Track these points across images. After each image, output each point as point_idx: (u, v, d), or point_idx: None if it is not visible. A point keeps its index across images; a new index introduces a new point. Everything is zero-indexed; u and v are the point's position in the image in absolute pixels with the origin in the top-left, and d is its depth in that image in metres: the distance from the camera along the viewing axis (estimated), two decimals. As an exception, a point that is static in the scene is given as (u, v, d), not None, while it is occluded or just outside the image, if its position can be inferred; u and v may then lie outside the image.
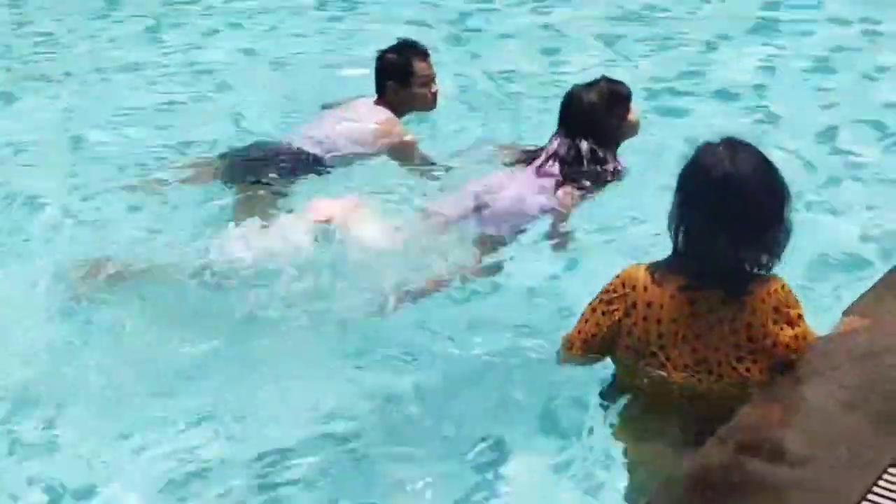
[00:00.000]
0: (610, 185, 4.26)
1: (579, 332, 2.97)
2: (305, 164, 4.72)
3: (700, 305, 2.81)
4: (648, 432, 2.98)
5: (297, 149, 4.78)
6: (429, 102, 4.99)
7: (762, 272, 2.84)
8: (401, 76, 4.89)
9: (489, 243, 4.09)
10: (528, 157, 4.35)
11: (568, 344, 3.01)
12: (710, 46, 7.01)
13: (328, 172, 4.74)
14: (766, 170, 2.82)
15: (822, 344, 2.97)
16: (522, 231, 4.14)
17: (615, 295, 2.90)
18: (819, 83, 6.29)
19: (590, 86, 4.31)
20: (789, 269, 2.99)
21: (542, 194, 4.16)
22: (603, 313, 2.92)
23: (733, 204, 2.75)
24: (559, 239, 4.15)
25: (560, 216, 4.18)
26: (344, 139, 4.83)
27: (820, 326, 3.00)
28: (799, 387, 2.91)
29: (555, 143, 4.25)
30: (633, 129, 4.36)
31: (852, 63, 6.59)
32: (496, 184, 4.22)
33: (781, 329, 2.79)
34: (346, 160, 4.81)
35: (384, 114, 4.89)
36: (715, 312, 2.81)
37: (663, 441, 2.93)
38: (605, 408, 3.05)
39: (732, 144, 2.83)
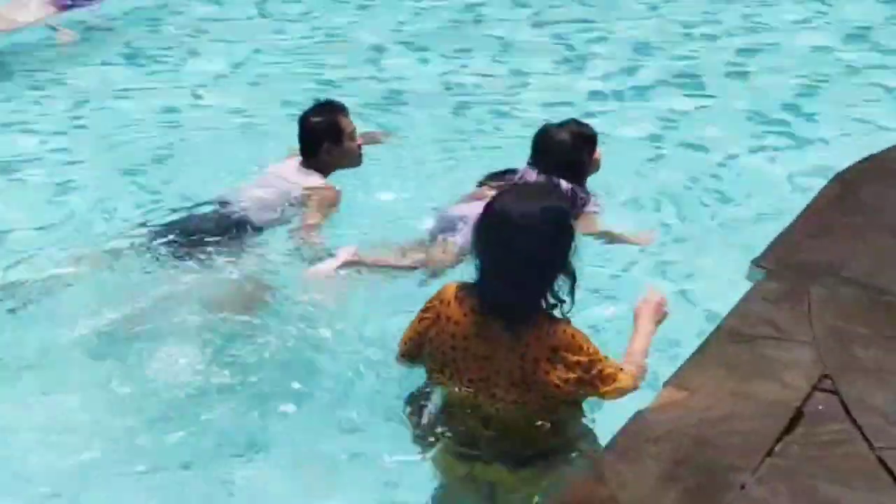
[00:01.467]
0: None
1: (403, 336, 3.20)
2: (238, 234, 4.71)
3: (487, 329, 2.98)
4: (440, 442, 3.15)
5: (228, 217, 4.75)
6: (358, 157, 5.02)
7: (550, 312, 2.98)
8: (332, 135, 4.87)
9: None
10: (498, 179, 4.65)
11: (398, 350, 3.23)
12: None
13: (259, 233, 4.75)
14: (551, 217, 2.93)
15: (641, 417, 3.13)
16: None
17: (430, 306, 3.11)
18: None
19: (561, 126, 4.73)
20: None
21: None
22: (419, 321, 3.13)
23: (512, 246, 2.89)
24: None
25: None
26: (271, 206, 4.81)
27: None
28: (620, 461, 3.03)
29: (531, 176, 4.59)
30: (597, 166, 4.76)
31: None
32: (470, 211, 4.45)
33: (555, 369, 2.93)
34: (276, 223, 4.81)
35: (316, 177, 4.90)
36: (498, 338, 2.97)
37: (449, 452, 3.14)
38: (406, 411, 3.24)
39: (528, 188, 3.02)
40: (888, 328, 3.63)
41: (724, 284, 4.18)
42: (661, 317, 3.34)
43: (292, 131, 5.02)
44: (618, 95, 6.89)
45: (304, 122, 4.95)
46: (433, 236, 4.68)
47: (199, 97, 6.88)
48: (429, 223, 4.78)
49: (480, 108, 6.63)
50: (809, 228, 4.33)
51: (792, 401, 3.20)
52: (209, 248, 4.59)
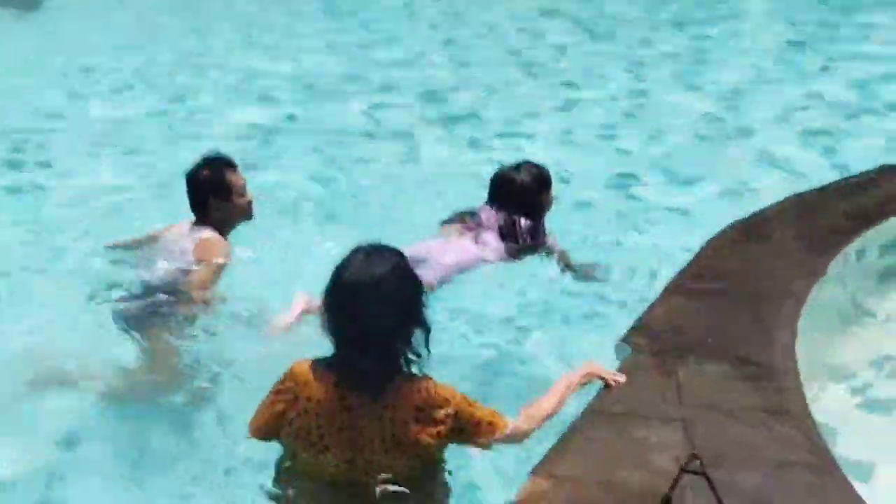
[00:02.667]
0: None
1: (255, 419, 3.15)
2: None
3: (351, 400, 2.98)
4: None
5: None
6: (248, 212, 4.82)
7: (407, 371, 3.01)
8: (219, 191, 4.68)
9: None
10: (461, 224, 4.89)
11: (250, 427, 3.18)
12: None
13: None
14: (394, 277, 2.96)
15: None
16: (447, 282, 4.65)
17: (282, 387, 3.07)
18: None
19: (519, 167, 4.94)
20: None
21: (480, 259, 4.77)
22: (272, 404, 3.09)
23: (363, 313, 2.92)
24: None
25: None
26: (174, 273, 4.63)
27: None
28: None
29: (490, 216, 4.83)
30: (551, 204, 5.00)
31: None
32: (435, 249, 4.70)
33: (424, 428, 2.97)
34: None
35: (207, 232, 4.69)
36: (365, 409, 2.98)
37: None
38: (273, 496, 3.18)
39: (371, 250, 2.99)
40: (753, 401, 3.57)
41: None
42: (585, 380, 3.51)
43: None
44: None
45: (190, 178, 4.76)
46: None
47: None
48: None
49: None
50: (675, 300, 4.29)
51: (660, 487, 3.08)
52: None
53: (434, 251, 4.66)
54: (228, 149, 5.05)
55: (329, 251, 4.77)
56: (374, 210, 6.13)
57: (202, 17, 12.61)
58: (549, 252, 4.93)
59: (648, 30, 11.25)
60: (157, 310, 4.52)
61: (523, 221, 4.82)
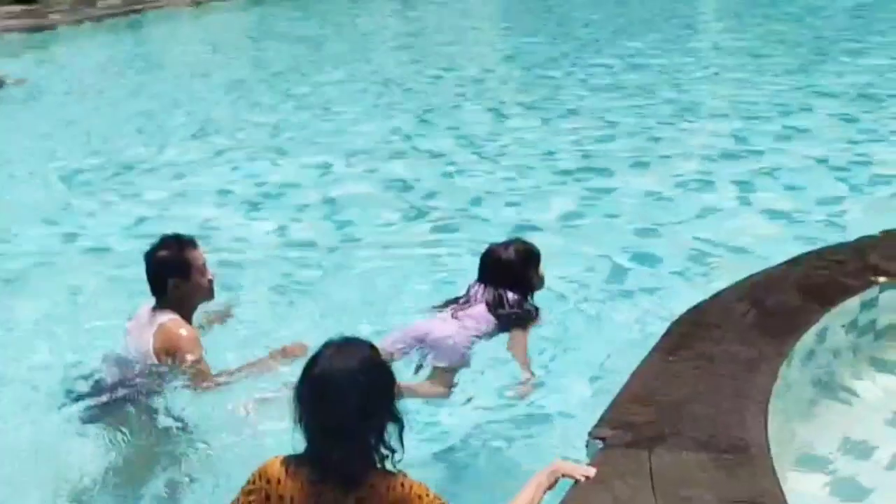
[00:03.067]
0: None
1: None
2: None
3: (326, 497, 2.94)
4: None
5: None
6: (208, 291, 4.72)
7: (381, 467, 2.96)
8: (179, 270, 4.56)
9: (447, 372, 4.79)
10: (453, 304, 5.03)
11: None
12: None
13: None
14: (366, 370, 2.93)
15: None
16: (466, 358, 4.84)
17: (253, 487, 3.01)
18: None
19: (507, 245, 5.11)
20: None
21: (475, 334, 4.89)
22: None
23: (335, 407, 2.89)
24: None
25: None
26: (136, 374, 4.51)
27: None
28: None
29: (478, 291, 4.97)
30: (541, 282, 5.11)
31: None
32: (434, 328, 4.89)
33: None
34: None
35: (168, 315, 4.56)
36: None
37: None
38: None
39: (342, 343, 2.98)
40: (731, 491, 3.51)
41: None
42: (554, 479, 3.41)
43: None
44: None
45: (149, 257, 4.63)
46: (403, 351, 4.85)
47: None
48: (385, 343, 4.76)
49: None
50: (645, 387, 4.24)
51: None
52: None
53: (433, 334, 4.85)
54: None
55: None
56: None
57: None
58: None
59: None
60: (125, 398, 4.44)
61: (510, 294, 4.93)
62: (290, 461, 2.99)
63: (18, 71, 14.33)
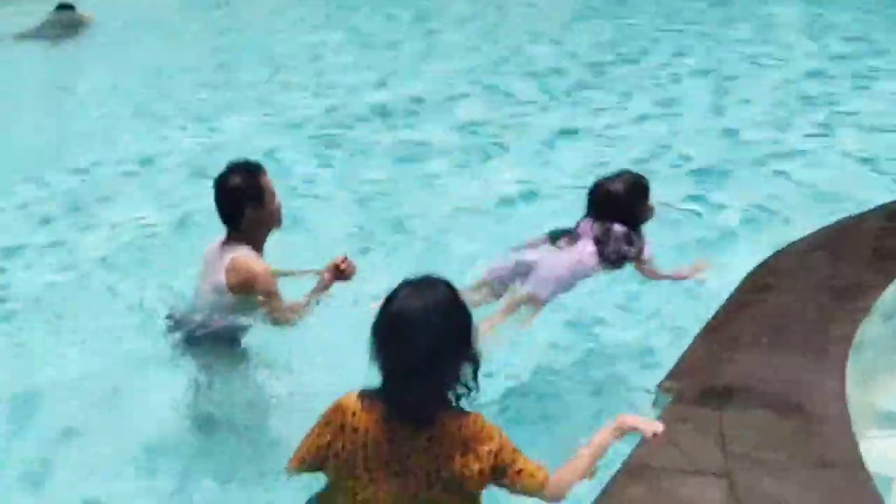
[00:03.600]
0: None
1: (298, 452, 3.12)
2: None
3: (399, 433, 2.96)
4: None
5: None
6: (280, 218, 4.53)
7: (455, 405, 2.95)
8: (254, 197, 4.36)
9: (533, 301, 4.63)
10: (560, 237, 4.90)
11: (290, 461, 3.14)
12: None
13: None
14: (442, 310, 2.89)
15: None
16: (558, 294, 4.70)
17: (328, 419, 3.05)
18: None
19: (616, 177, 4.92)
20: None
21: (578, 266, 4.73)
22: (318, 436, 3.06)
23: (410, 345, 2.86)
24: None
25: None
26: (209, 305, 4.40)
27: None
28: None
29: (587, 226, 4.80)
30: (651, 213, 4.91)
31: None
32: (537, 259, 4.76)
33: (467, 462, 2.92)
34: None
35: (238, 252, 4.39)
36: (411, 441, 2.95)
37: None
38: None
39: (420, 281, 2.93)
40: (804, 453, 3.38)
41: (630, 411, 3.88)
42: (619, 434, 3.23)
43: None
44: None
45: (221, 186, 4.38)
46: (501, 280, 4.78)
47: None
48: (494, 266, 4.82)
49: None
50: (716, 341, 4.11)
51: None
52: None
53: (541, 263, 4.73)
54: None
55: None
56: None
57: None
58: (643, 262, 4.84)
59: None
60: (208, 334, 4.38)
61: (617, 227, 4.76)
62: (367, 395, 2.99)
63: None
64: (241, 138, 8.60)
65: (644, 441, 3.41)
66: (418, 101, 9.65)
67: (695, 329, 4.23)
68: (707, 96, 9.25)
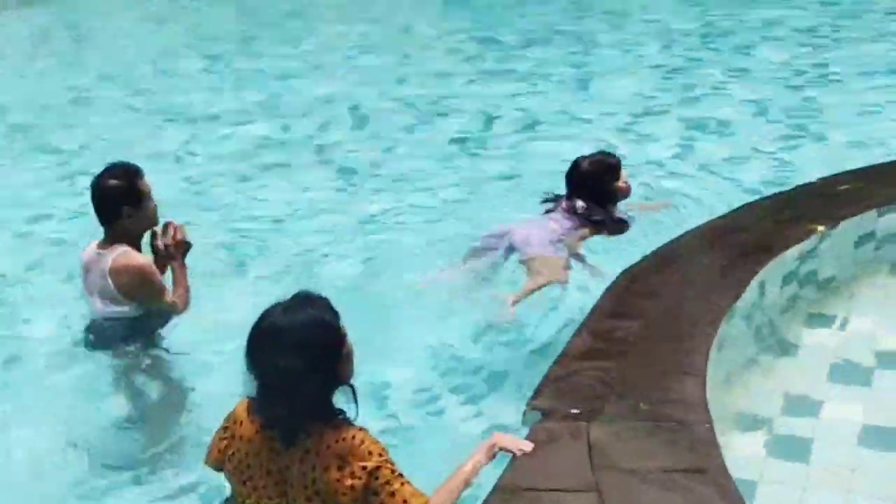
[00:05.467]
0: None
1: (208, 450, 3.22)
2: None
3: (277, 444, 3.00)
4: None
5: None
6: (153, 220, 4.64)
7: (338, 419, 2.99)
8: (132, 198, 4.48)
9: (544, 260, 5.13)
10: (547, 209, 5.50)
11: (207, 455, 3.24)
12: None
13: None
14: (309, 329, 2.92)
15: None
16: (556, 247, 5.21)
17: (225, 425, 3.17)
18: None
19: (588, 157, 5.45)
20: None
21: (555, 226, 5.32)
22: (219, 439, 3.17)
23: (278, 361, 2.89)
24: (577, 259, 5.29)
25: (570, 248, 5.30)
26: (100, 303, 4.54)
27: None
28: None
29: (564, 205, 5.37)
30: (624, 191, 5.40)
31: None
32: (517, 227, 5.36)
33: (343, 477, 2.93)
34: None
35: (120, 249, 4.49)
36: (288, 452, 2.99)
37: None
38: None
39: (293, 300, 2.98)
40: (671, 460, 3.43)
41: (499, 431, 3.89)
42: (491, 454, 3.34)
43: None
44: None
45: (98, 187, 4.51)
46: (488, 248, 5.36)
47: None
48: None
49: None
50: (583, 353, 4.14)
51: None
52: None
53: (515, 231, 5.28)
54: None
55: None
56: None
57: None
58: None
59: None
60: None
61: (579, 203, 5.28)
62: (253, 404, 3.05)
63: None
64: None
65: (513, 460, 3.42)
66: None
67: (560, 345, 4.25)
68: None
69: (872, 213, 5.33)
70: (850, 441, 4.10)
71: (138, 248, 4.57)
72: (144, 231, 4.62)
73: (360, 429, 2.99)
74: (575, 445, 3.51)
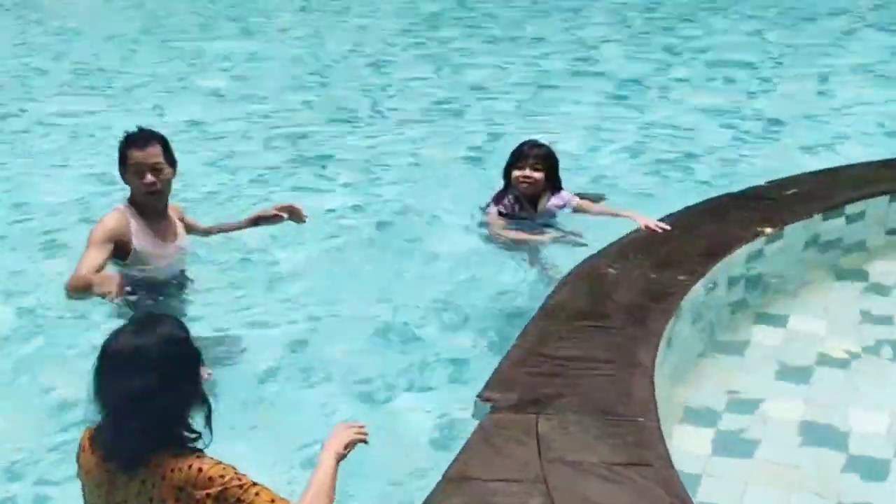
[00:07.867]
0: None
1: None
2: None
3: (117, 477, 2.83)
4: None
5: None
6: (140, 194, 4.52)
7: (180, 447, 2.79)
8: (121, 164, 4.54)
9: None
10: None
11: None
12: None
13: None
14: (154, 352, 2.75)
15: None
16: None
17: (77, 452, 2.97)
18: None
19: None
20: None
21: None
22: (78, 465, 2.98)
23: (108, 380, 2.76)
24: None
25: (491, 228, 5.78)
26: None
27: None
28: None
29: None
30: (514, 184, 5.71)
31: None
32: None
33: None
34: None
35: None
36: (127, 486, 2.81)
37: None
38: None
39: (146, 320, 2.87)
40: (616, 454, 3.48)
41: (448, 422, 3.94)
42: (349, 448, 3.06)
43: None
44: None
45: None
46: None
47: None
48: None
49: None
50: (531, 349, 4.17)
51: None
52: None
53: None
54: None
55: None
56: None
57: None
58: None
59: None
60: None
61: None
62: (93, 435, 2.89)
63: None
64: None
65: (462, 451, 3.44)
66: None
67: (510, 339, 4.29)
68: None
69: (818, 217, 5.45)
70: (791, 438, 4.19)
71: (142, 213, 4.55)
72: (141, 198, 4.54)
73: (199, 456, 2.80)
74: (524, 438, 3.55)
